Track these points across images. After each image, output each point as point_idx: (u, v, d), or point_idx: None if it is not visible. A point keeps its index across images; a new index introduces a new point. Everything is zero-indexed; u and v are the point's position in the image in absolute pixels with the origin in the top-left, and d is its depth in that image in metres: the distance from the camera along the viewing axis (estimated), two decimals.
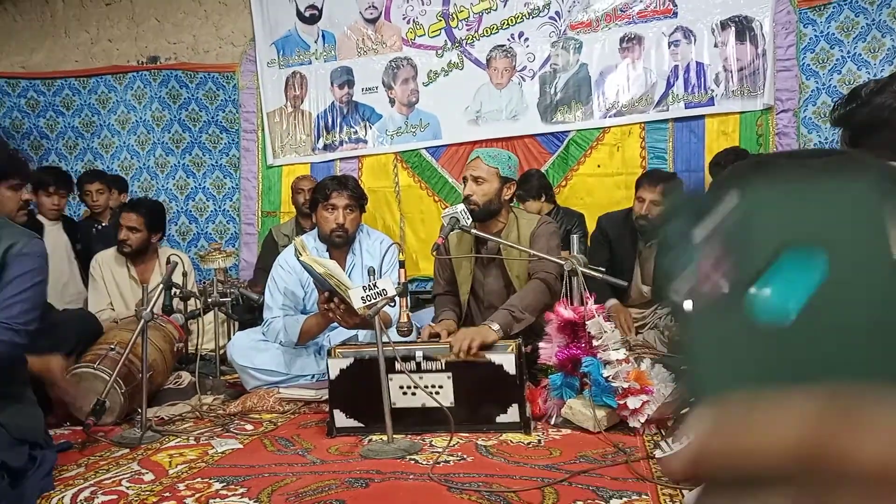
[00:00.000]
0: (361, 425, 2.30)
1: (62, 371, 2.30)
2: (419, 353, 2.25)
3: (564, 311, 2.26)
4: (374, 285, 2.20)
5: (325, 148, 4.99)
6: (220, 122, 5.19)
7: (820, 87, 4.14)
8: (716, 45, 4.30)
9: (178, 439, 2.32)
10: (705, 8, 4.31)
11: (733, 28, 4.26)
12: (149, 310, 2.34)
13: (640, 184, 3.39)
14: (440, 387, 2.23)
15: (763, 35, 4.20)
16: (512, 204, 2.95)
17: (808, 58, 4.16)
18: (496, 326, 2.36)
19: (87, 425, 2.26)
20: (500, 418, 2.24)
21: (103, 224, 4.32)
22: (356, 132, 4.94)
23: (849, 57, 4.08)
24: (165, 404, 2.74)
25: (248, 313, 3.66)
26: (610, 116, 4.48)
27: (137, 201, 3.85)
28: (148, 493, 1.78)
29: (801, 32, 4.16)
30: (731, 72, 4.27)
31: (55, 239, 4.04)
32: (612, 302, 3.37)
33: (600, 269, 2.37)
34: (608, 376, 2.12)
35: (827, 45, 4.12)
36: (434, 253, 2.62)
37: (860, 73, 4.05)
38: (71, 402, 2.43)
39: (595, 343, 2.18)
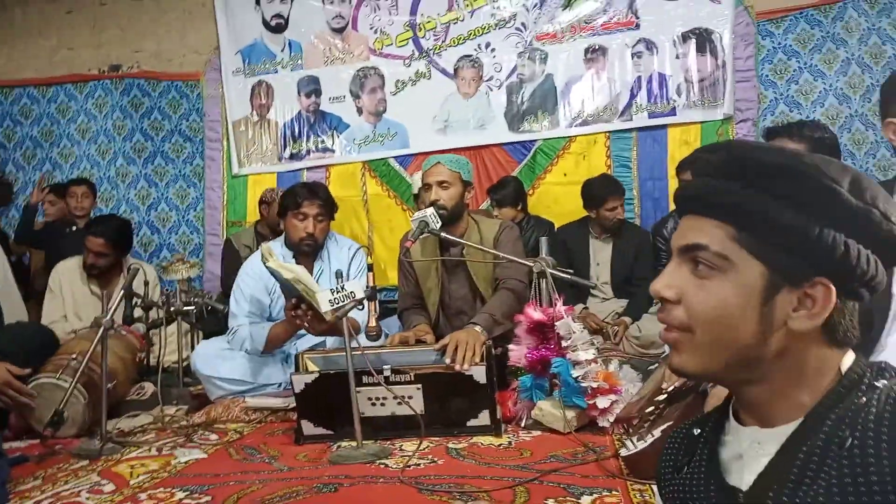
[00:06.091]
0: (330, 432, 2.27)
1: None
2: (387, 369, 2.21)
3: (534, 313, 2.26)
4: (342, 288, 2.18)
5: (292, 157, 4.94)
6: (184, 131, 5.11)
7: (778, 98, 4.25)
8: (677, 57, 4.39)
9: (140, 450, 2.26)
10: (667, 20, 4.39)
11: (694, 40, 4.35)
12: (109, 317, 2.28)
13: (605, 197, 3.73)
14: (409, 397, 2.21)
15: (723, 47, 4.30)
16: (484, 208, 2.96)
17: (767, 69, 4.26)
18: (479, 328, 2.35)
19: (44, 436, 2.18)
20: (471, 422, 2.22)
21: (77, 227, 4.20)
22: (323, 141, 4.90)
23: (805, 68, 4.19)
24: (126, 416, 2.67)
25: (216, 325, 3.56)
26: (576, 126, 4.53)
27: (104, 224, 3.62)
28: (108, 503, 1.72)
29: (760, 44, 4.26)
30: (692, 83, 4.35)
31: None
32: (579, 307, 3.44)
33: (568, 270, 2.38)
34: (577, 376, 2.13)
35: (784, 56, 4.24)
36: (403, 256, 2.61)
37: (817, 83, 4.16)
38: (27, 411, 2.34)
39: (564, 344, 2.18)
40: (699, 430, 0.84)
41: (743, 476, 0.74)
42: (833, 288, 0.69)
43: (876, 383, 0.68)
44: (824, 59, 4.15)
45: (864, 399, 0.67)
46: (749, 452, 0.74)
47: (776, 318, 0.70)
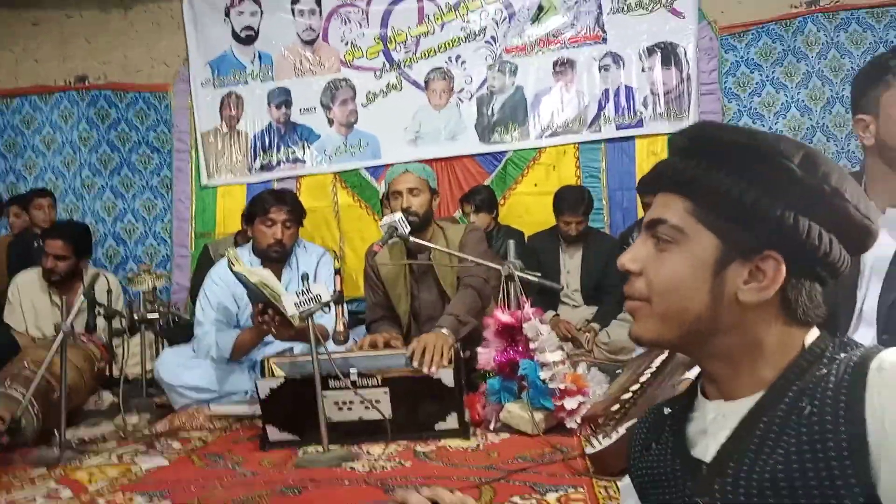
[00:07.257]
0: (296, 438, 2.23)
1: None
2: (354, 372, 2.19)
3: (502, 316, 2.26)
4: (308, 291, 2.16)
5: (263, 168, 4.90)
6: (151, 142, 5.05)
7: (741, 110, 4.34)
8: (643, 70, 4.47)
9: (100, 458, 2.20)
10: (632, 35, 4.47)
11: (659, 54, 4.44)
12: (68, 322, 2.22)
13: (562, 210, 3.76)
14: (377, 401, 2.19)
15: (687, 60, 4.39)
16: (457, 215, 2.97)
17: (730, 81, 4.36)
18: (446, 331, 2.34)
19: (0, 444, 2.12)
20: (439, 425, 2.21)
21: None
22: (294, 152, 4.88)
23: (767, 80, 4.30)
24: (85, 424, 2.59)
25: (181, 336, 3.50)
26: (546, 137, 4.57)
27: (62, 226, 3.68)
28: None
29: (723, 58, 4.36)
30: (658, 95, 4.43)
31: None
32: (550, 314, 3.46)
33: (536, 273, 2.39)
34: (545, 378, 2.13)
35: (747, 69, 4.34)
36: (370, 262, 2.60)
37: (779, 95, 4.27)
38: None
39: (532, 346, 2.18)
40: (669, 409, 0.84)
41: (707, 448, 0.74)
42: (783, 262, 0.70)
43: (836, 357, 0.69)
44: (786, 72, 4.26)
45: (825, 371, 0.67)
46: (713, 425, 0.75)
47: (727, 290, 0.71)
